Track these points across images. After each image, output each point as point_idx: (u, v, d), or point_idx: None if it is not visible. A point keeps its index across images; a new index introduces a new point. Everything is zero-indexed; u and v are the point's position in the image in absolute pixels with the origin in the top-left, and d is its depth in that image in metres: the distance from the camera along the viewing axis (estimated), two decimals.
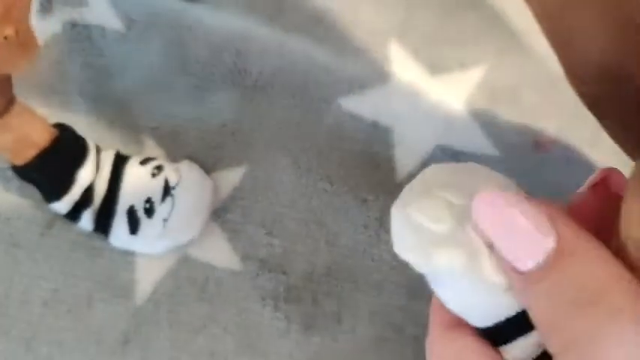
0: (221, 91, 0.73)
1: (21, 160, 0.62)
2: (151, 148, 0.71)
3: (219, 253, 0.68)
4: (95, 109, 0.72)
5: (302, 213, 0.70)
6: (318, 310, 0.68)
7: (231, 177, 0.71)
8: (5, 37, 0.46)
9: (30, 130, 0.62)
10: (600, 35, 0.26)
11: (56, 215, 0.67)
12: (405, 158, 0.72)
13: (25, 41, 0.49)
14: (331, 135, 0.73)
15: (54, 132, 0.63)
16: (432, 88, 0.75)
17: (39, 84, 0.71)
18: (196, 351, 0.65)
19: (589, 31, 0.26)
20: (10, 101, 0.59)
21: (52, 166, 0.63)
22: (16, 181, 0.67)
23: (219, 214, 0.70)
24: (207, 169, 0.70)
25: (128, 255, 0.67)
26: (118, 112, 0.72)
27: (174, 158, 0.70)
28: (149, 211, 0.65)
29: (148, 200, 0.65)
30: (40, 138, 0.62)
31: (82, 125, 0.68)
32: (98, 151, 0.66)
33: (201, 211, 0.67)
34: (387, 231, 0.70)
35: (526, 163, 0.73)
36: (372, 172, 0.72)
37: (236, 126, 0.73)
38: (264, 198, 0.70)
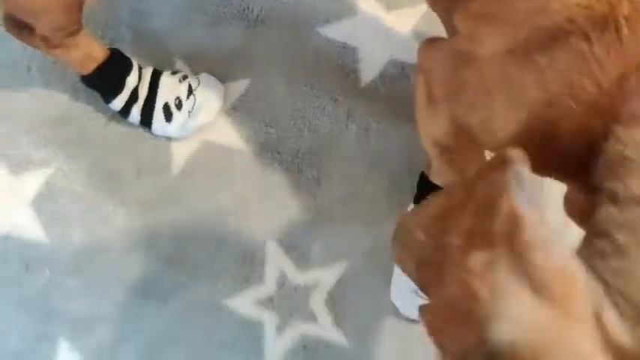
0: (230, 24, 0.98)
1: (86, 71, 0.88)
2: (179, 66, 0.97)
3: (230, 138, 0.94)
4: (137, 39, 0.97)
5: (291, 110, 0.95)
6: (303, 176, 0.93)
7: (239, 86, 0.96)
8: None
9: (91, 49, 0.87)
10: None
11: (113, 114, 0.93)
12: (366, 70, 0.97)
13: None
14: (313, 54, 0.98)
15: (107, 51, 0.89)
16: (388, 19, 0.99)
17: (96, 19, 0.97)
18: (222, 200, 0.91)
19: None
20: (80, 25, 0.84)
21: (108, 74, 0.89)
22: (84, 89, 0.93)
23: (230, 112, 0.95)
24: (220, 80, 0.95)
25: (165, 140, 0.93)
26: (154, 41, 0.98)
27: (195, 72, 0.96)
28: (178, 106, 0.91)
29: (177, 98, 0.91)
30: (98, 54, 0.88)
31: (128, 51, 0.94)
32: (140, 67, 0.92)
33: (214, 105, 0.92)
34: (353, 121, 0.95)
35: None
36: (342, 80, 0.97)
37: (242, 49, 0.98)
38: (263, 101, 0.96)
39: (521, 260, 0.33)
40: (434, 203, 0.46)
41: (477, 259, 0.34)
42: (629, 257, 0.38)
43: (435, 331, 0.35)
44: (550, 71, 0.50)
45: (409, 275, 0.46)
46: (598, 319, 0.32)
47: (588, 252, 0.40)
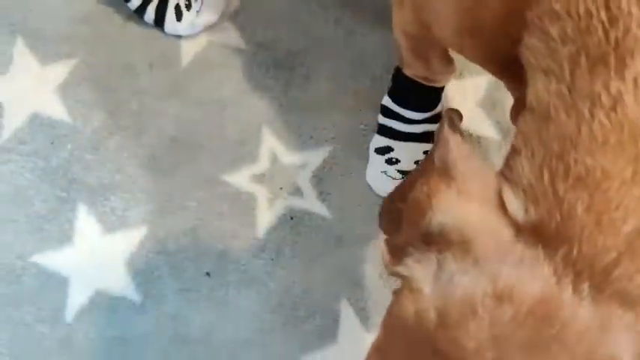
0: None
1: None
2: None
3: (232, 38, 1.07)
4: None
5: (286, 15, 1.08)
6: (295, 72, 1.06)
7: None
8: None
9: None
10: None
11: (130, 15, 1.06)
12: None
13: None
14: None
15: None
16: None
17: None
18: (223, 91, 1.04)
19: None
20: None
21: None
22: None
23: (232, 16, 1.08)
24: None
25: (176, 38, 1.06)
26: None
27: None
28: (187, 6, 1.04)
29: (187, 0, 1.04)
30: None
31: None
32: None
33: (218, 7, 1.06)
34: (340, 26, 1.08)
35: None
36: None
37: None
38: (262, 6, 1.09)
39: (449, 169, 0.45)
40: (405, 181, 0.60)
41: (420, 182, 0.46)
42: (519, 154, 0.47)
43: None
44: None
45: (384, 231, 0.60)
46: (501, 203, 0.43)
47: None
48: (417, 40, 0.83)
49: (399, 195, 0.56)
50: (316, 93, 1.05)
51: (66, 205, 1.00)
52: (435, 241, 0.42)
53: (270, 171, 1.02)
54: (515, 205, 0.43)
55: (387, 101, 0.99)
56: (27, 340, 0.95)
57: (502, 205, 0.43)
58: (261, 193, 1.01)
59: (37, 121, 1.03)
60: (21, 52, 1.05)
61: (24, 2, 1.07)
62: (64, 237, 0.99)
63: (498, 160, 1.01)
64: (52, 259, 0.98)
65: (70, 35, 1.06)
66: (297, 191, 1.01)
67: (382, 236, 0.50)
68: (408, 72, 0.92)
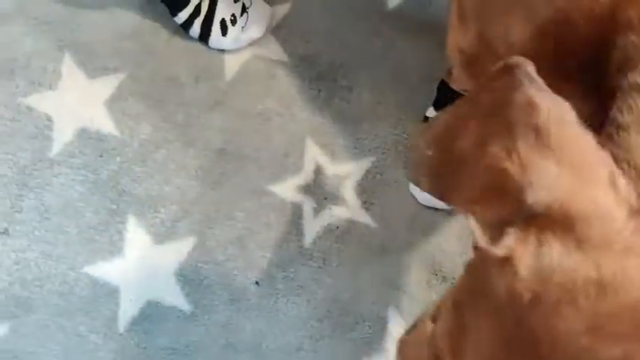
0: None
1: None
2: None
3: (275, 52, 1.09)
4: None
5: (326, 29, 1.11)
6: (336, 84, 1.08)
7: (282, 9, 1.12)
8: None
9: None
10: None
11: (175, 30, 1.09)
12: None
13: None
14: None
15: None
16: None
17: None
18: (267, 103, 1.06)
19: None
20: None
21: None
22: (150, 9, 1.09)
23: (274, 31, 1.10)
24: (267, 2, 1.11)
25: (220, 52, 1.09)
26: None
27: None
28: (233, 22, 1.06)
29: (233, 15, 1.06)
30: None
31: None
32: None
33: (263, 23, 1.08)
34: (379, 39, 1.10)
35: None
36: (371, 3, 1.12)
37: None
38: (303, 21, 1.11)
39: (542, 137, 0.39)
40: (438, 122, 0.53)
41: (499, 146, 0.40)
42: (629, 131, 0.45)
43: (470, 211, 0.42)
44: None
45: (426, 190, 0.54)
46: (612, 181, 0.39)
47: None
48: (474, 57, 0.84)
49: (438, 143, 0.49)
50: (358, 104, 1.07)
51: (116, 216, 1.02)
52: (536, 219, 0.39)
53: (315, 181, 1.04)
54: (627, 185, 0.39)
55: (431, 113, 1.00)
56: (81, 350, 0.97)
57: (612, 184, 0.39)
58: (306, 203, 1.03)
59: (85, 135, 1.05)
60: (69, 67, 1.08)
61: (72, 18, 1.09)
62: (115, 248, 1.01)
63: None
64: (104, 270, 1.00)
65: (117, 50, 1.09)
66: (342, 201, 1.03)
67: (466, 216, 0.42)
68: (455, 86, 0.93)
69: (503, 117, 0.42)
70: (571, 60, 0.57)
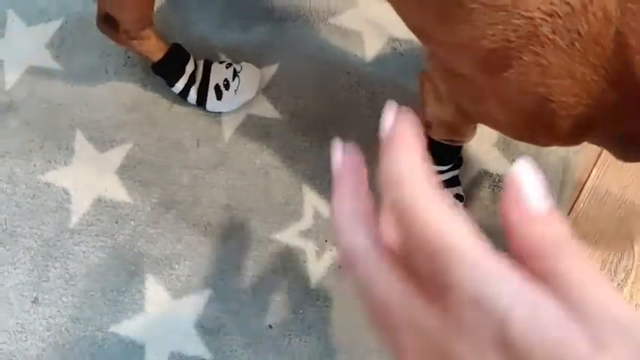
0: (260, 23, 1.24)
1: (155, 59, 1.12)
2: (223, 58, 1.22)
3: (267, 110, 1.18)
4: (188, 41, 1.23)
5: (313, 85, 1.20)
6: (326, 134, 1.17)
7: (271, 70, 1.21)
8: None
9: (158, 41, 1.11)
10: None
11: (174, 99, 1.18)
12: (369, 48, 1.22)
13: None
14: (325, 39, 1.23)
15: (170, 44, 1.13)
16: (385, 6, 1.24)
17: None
18: (264, 158, 1.15)
19: None
20: (151, 21, 1.07)
21: (172, 62, 1.13)
22: (149, 83, 1.19)
23: (265, 90, 1.20)
24: (256, 65, 1.20)
25: (216, 115, 1.18)
26: (201, 40, 1.23)
27: (236, 62, 1.21)
28: (226, 86, 1.16)
29: (225, 80, 1.16)
30: (164, 46, 1.11)
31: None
32: (195, 59, 1.17)
33: (254, 84, 1.17)
34: (362, 88, 1.19)
35: None
36: (351, 58, 1.21)
37: (270, 41, 1.23)
38: (291, 80, 1.20)
39: None
40: None
41: None
42: None
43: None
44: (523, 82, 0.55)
45: None
46: None
47: None
48: (455, 124, 0.88)
49: None
50: None
51: (135, 276, 1.11)
52: None
53: (315, 226, 1.13)
54: None
55: None
56: None
57: None
58: (308, 247, 1.12)
59: (101, 204, 1.14)
60: (80, 144, 1.17)
61: (80, 98, 1.19)
62: (137, 306, 1.09)
63: None
64: (128, 328, 1.08)
65: (122, 122, 1.18)
66: None
67: None
68: (434, 137, 0.96)
69: None
70: (583, 118, 0.57)
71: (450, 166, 1.06)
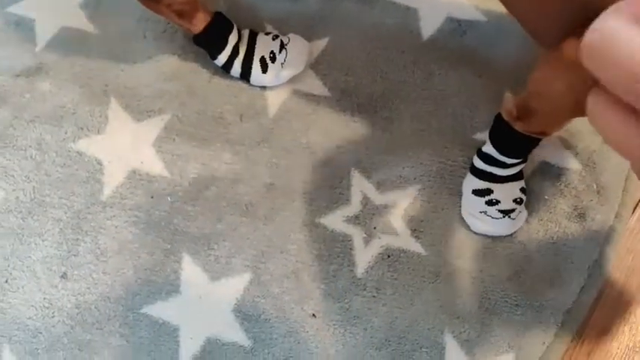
0: None
1: (196, 31, 1.05)
2: (270, 29, 1.15)
3: (315, 86, 1.12)
4: (234, 9, 1.16)
5: (364, 62, 1.13)
6: (377, 115, 1.10)
7: (320, 44, 1.14)
8: None
9: (201, 12, 1.05)
10: None
11: (215, 71, 1.11)
12: (426, 27, 1.15)
13: None
14: (380, 14, 1.16)
15: (213, 14, 1.07)
16: None
17: None
18: (311, 137, 1.08)
19: None
20: None
21: (214, 33, 1.06)
22: (189, 51, 1.12)
23: (314, 65, 1.13)
24: (305, 38, 1.13)
25: (261, 89, 1.11)
26: (247, 10, 1.16)
27: (285, 33, 1.14)
28: (272, 59, 1.09)
29: (272, 52, 1.09)
30: (206, 16, 1.05)
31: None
32: (239, 29, 1.10)
33: (302, 58, 1.10)
34: (418, 68, 1.13)
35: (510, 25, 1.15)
36: (406, 35, 1.14)
37: (321, 13, 1.16)
38: (341, 55, 1.14)
39: None
40: None
41: None
42: None
43: None
44: None
45: None
46: None
47: None
48: (562, 116, 0.83)
49: None
50: (400, 133, 1.10)
51: (171, 255, 1.04)
52: None
53: (363, 212, 1.06)
54: None
55: (489, 149, 0.99)
56: None
57: None
58: (356, 233, 1.05)
59: (135, 177, 1.07)
60: (115, 111, 1.10)
61: (115, 63, 1.12)
62: (172, 287, 1.03)
63: (584, 192, 1.05)
64: (162, 310, 1.02)
65: (160, 92, 1.11)
66: (391, 230, 1.05)
67: None
68: (519, 128, 0.90)
69: None
70: None
71: (523, 157, 1.00)
